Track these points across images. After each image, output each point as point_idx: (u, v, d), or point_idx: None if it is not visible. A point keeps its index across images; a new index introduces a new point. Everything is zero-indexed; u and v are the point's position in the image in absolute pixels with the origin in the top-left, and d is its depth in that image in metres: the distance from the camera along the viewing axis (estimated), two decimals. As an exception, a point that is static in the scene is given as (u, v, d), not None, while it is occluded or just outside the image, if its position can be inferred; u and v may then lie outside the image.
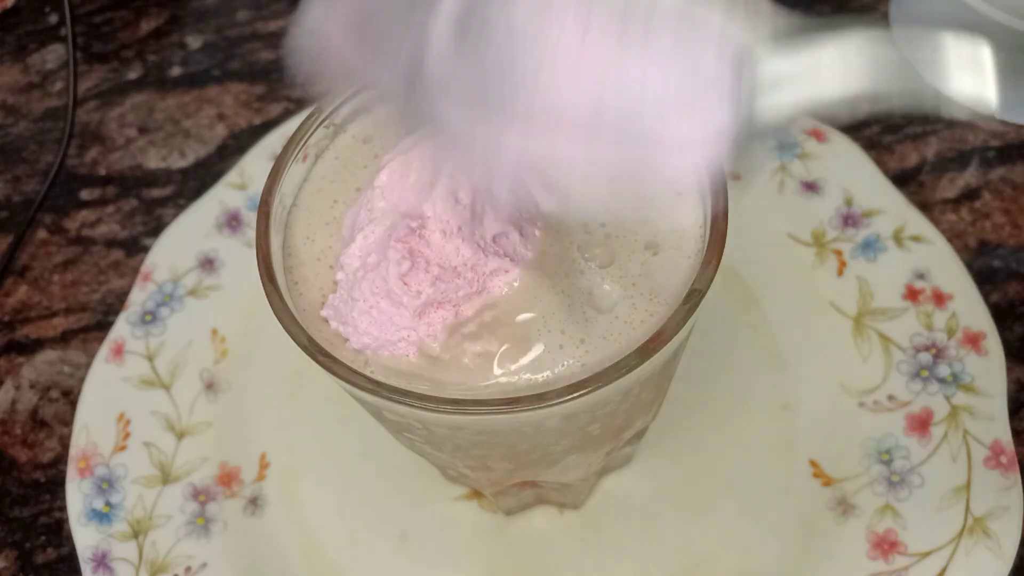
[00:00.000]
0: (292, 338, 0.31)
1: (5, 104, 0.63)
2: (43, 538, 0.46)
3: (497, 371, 0.31)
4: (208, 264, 0.52)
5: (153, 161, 0.59)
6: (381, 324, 0.31)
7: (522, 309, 0.31)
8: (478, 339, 0.31)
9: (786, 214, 0.51)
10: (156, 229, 0.55)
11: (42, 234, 0.56)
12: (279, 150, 0.36)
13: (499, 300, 0.31)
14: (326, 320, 0.32)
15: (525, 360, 0.31)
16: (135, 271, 0.53)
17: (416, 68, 0.16)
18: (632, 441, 0.42)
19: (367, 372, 0.31)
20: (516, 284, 0.31)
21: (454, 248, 0.30)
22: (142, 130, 0.60)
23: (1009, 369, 0.46)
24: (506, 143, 0.17)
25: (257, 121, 0.60)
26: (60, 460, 0.48)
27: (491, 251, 0.31)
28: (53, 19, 0.67)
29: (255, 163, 0.54)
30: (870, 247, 0.49)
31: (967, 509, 0.42)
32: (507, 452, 0.34)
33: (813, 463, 0.45)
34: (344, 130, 0.37)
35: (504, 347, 0.31)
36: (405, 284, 0.30)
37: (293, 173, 0.35)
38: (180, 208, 0.55)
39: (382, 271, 0.30)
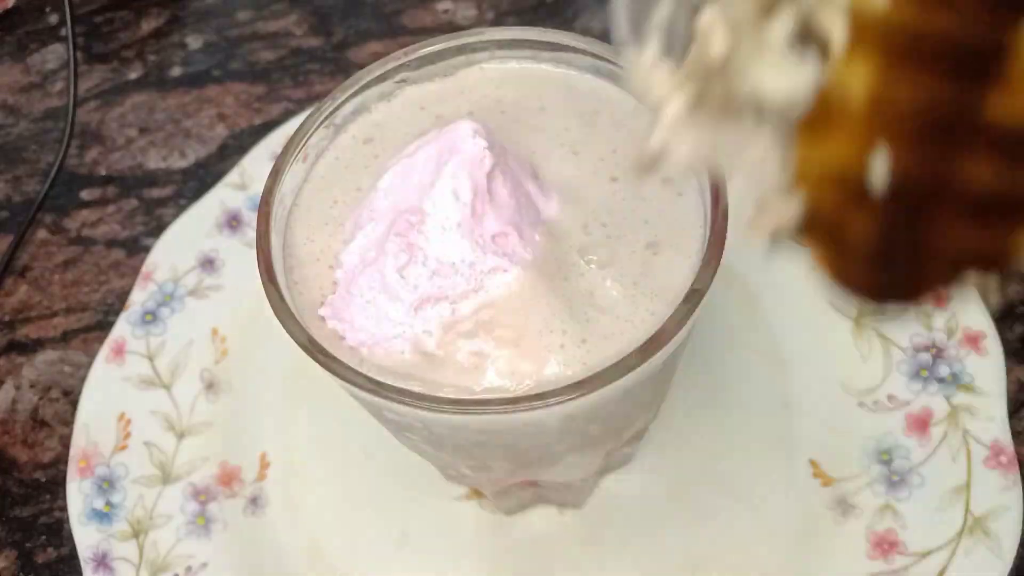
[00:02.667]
0: (292, 337, 0.31)
1: (5, 104, 0.63)
2: (43, 538, 0.46)
3: (496, 371, 0.31)
4: (208, 264, 0.52)
5: (153, 161, 0.59)
6: (377, 319, 0.31)
7: (521, 310, 0.31)
8: (474, 337, 0.31)
9: (786, 214, 0.51)
10: (157, 229, 0.55)
11: (42, 234, 0.56)
12: (279, 150, 0.36)
13: (497, 300, 0.31)
14: (323, 319, 0.32)
15: (525, 360, 0.31)
16: (136, 271, 0.53)
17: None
18: (632, 441, 0.42)
19: (363, 371, 0.31)
20: (515, 285, 0.31)
21: (452, 244, 0.30)
22: (142, 130, 0.60)
23: (1009, 369, 0.46)
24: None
25: (257, 121, 0.60)
26: (60, 460, 0.48)
27: (490, 250, 0.31)
28: (53, 19, 0.67)
29: (255, 163, 0.54)
30: (870, 247, 0.49)
31: (967, 509, 0.42)
32: (507, 452, 0.34)
33: (813, 463, 0.45)
34: (344, 130, 0.37)
35: (503, 347, 0.31)
36: (402, 277, 0.30)
37: (293, 173, 0.35)
38: (180, 208, 0.55)
39: (380, 265, 0.30)
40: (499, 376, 0.31)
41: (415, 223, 0.30)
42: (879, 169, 0.15)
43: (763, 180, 0.16)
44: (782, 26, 0.14)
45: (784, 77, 0.14)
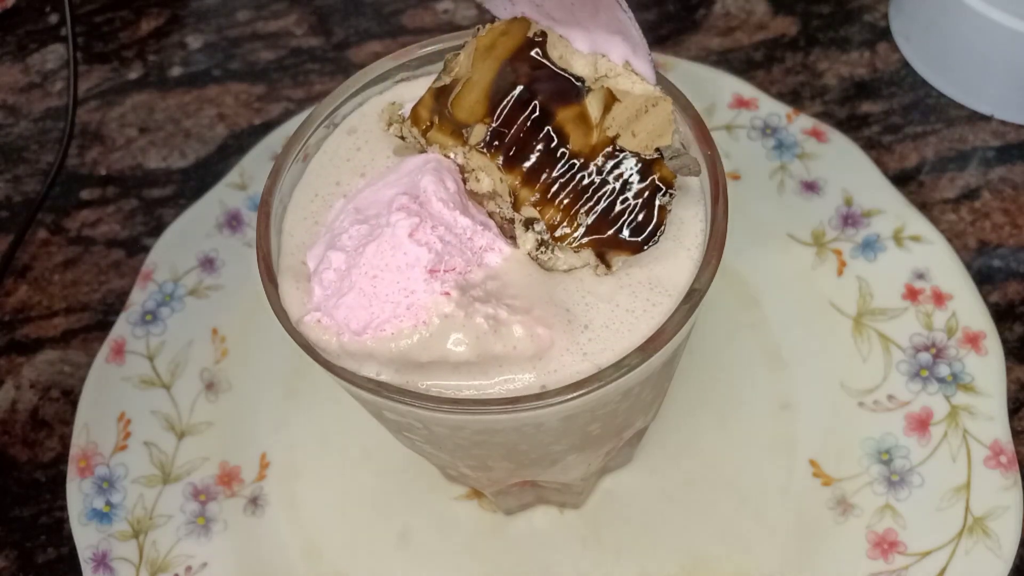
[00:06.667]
0: (292, 337, 0.31)
1: (5, 104, 0.63)
2: (43, 538, 0.46)
3: (495, 370, 0.31)
4: (208, 264, 0.52)
5: (153, 161, 0.59)
6: (383, 298, 0.30)
7: (524, 284, 0.31)
8: (487, 303, 0.30)
9: (786, 214, 0.51)
10: (156, 229, 0.55)
11: (42, 234, 0.56)
12: (279, 150, 0.36)
13: (500, 273, 0.31)
14: (319, 321, 0.32)
15: (524, 359, 0.31)
16: (135, 271, 0.53)
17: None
18: (632, 441, 0.42)
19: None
20: (512, 263, 0.32)
21: (452, 217, 0.31)
22: (142, 130, 0.60)
23: (1009, 369, 0.46)
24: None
25: (257, 121, 0.60)
26: (60, 460, 0.48)
27: (480, 223, 0.31)
28: (53, 19, 0.67)
29: (255, 163, 0.54)
30: (870, 247, 0.49)
31: (967, 509, 0.42)
32: (507, 452, 0.34)
33: (813, 463, 0.45)
34: (338, 125, 0.37)
35: (516, 313, 0.30)
36: (414, 239, 0.30)
37: (293, 173, 0.35)
38: (180, 208, 0.55)
39: (388, 238, 0.30)
40: (499, 376, 0.30)
41: (415, 198, 0.31)
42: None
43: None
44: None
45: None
